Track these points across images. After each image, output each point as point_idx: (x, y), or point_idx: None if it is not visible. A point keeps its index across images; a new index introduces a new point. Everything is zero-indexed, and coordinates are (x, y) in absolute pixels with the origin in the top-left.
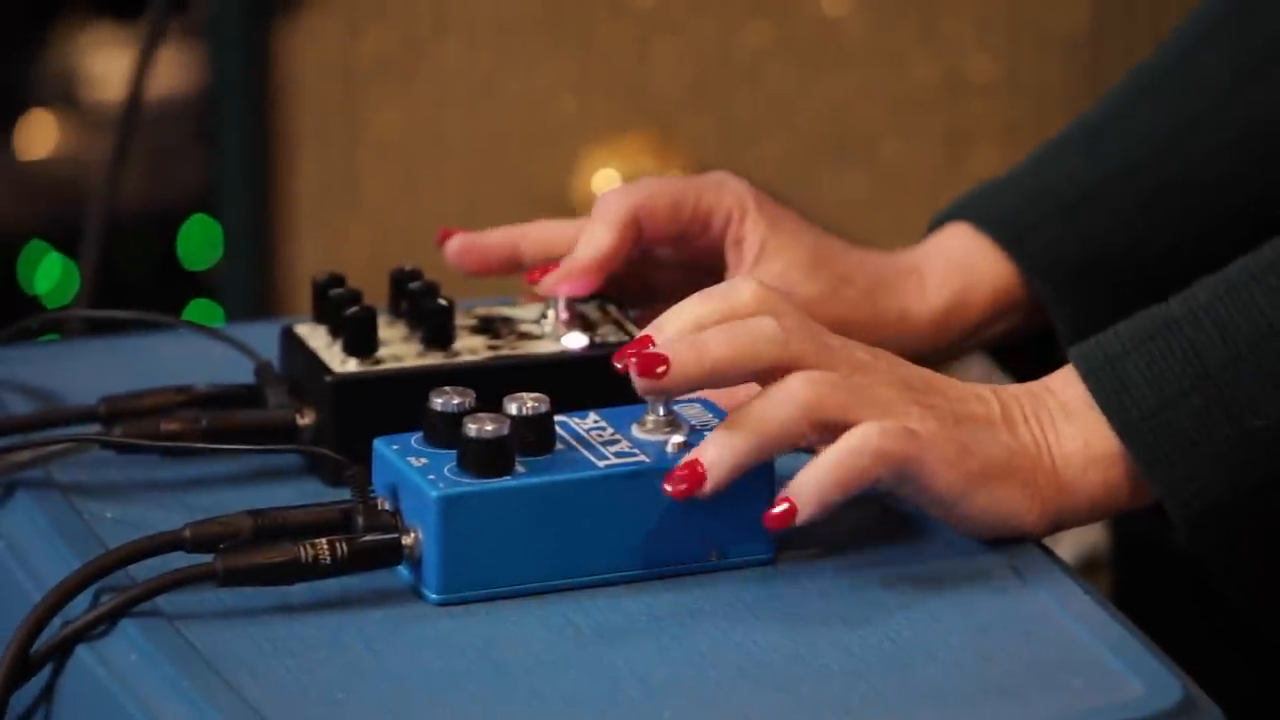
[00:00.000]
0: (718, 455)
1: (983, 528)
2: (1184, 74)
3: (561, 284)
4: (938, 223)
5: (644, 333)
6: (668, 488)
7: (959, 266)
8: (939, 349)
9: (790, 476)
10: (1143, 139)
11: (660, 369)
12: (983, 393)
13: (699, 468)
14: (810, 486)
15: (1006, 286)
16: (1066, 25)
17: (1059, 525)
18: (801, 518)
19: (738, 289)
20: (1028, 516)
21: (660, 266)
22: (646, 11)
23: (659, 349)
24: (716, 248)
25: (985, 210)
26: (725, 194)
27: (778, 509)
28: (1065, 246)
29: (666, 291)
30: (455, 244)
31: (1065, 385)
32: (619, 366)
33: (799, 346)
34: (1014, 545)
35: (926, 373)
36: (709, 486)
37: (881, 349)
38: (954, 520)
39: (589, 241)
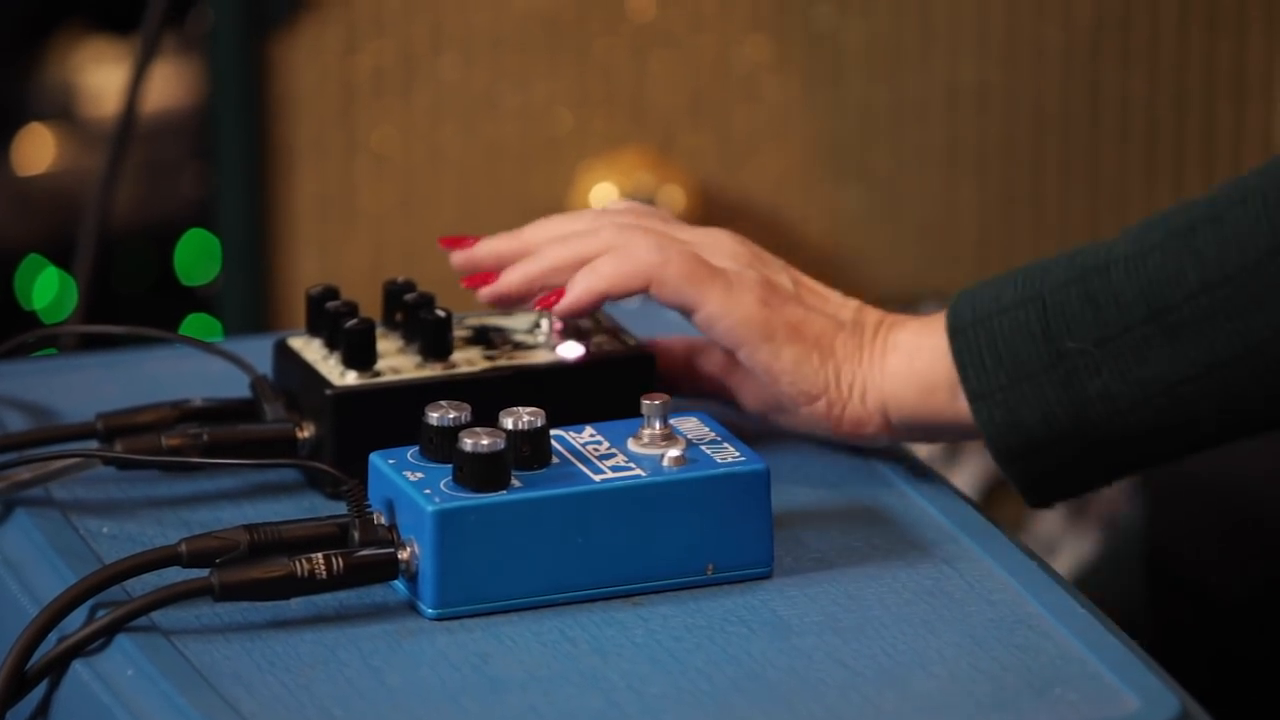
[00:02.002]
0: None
1: (777, 383)
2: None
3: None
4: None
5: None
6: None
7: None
8: None
9: (790, 482)
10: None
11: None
12: (850, 302)
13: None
14: (581, 281)
15: None
16: (1064, 39)
17: (863, 412)
18: (562, 307)
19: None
20: (828, 383)
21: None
22: (644, 26)
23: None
24: None
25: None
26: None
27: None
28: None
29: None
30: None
31: (931, 317)
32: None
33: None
34: (1012, 556)
35: (808, 280)
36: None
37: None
38: (755, 367)
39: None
